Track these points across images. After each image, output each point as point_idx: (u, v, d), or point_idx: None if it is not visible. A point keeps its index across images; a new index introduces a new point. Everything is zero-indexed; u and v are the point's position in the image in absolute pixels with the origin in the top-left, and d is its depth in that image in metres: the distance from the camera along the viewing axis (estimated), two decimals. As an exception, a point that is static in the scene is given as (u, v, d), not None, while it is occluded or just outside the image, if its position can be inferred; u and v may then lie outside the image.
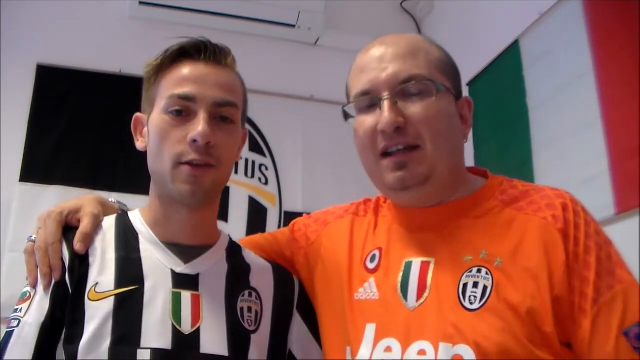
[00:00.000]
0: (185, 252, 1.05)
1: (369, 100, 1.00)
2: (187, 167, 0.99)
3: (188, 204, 1.02)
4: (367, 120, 0.99)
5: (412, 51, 1.00)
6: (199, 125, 0.99)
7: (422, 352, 0.89)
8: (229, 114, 1.04)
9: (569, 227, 0.91)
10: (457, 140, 1.02)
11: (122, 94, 2.56)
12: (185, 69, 1.03)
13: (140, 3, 2.70)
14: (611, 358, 0.83)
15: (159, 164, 1.02)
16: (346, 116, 1.05)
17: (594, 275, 0.87)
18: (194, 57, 1.04)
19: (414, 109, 0.97)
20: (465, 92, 2.47)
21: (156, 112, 1.04)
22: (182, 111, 1.01)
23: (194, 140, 0.98)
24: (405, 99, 0.97)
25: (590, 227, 0.92)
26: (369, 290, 1.00)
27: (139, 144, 1.09)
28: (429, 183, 0.98)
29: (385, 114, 0.96)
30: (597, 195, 1.73)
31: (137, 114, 1.11)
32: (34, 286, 1.00)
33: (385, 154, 0.99)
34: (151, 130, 1.04)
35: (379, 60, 1.00)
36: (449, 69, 1.03)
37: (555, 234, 0.90)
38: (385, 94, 0.97)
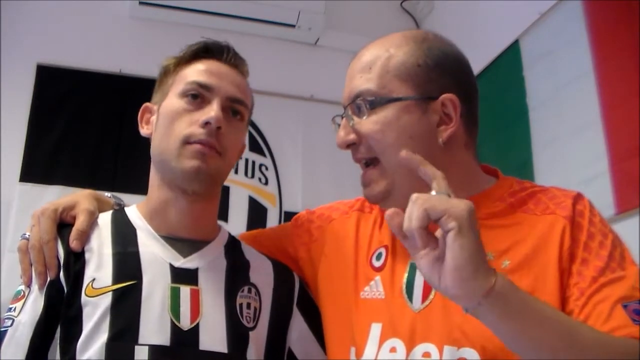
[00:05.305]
0: (184, 246, 1.04)
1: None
2: (196, 144, 1.01)
3: (189, 184, 1.02)
4: None
5: (369, 63, 1.00)
6: (213, 110, 1.02)
7: (426, 355, 0.89)
8: (240, 110, 1.08)
9: (576, 216, 0.92)
10: (421, 147, 0.95)
11: (122, 94, 2.57)
12: (207, 64, 1.08)
13: (140, 3, 2.70)
14: (605, 323, 0.81)
15: (165, 143, 1.03)
16: None
17: (595, 258, 0.87)
18: (215, 56, 1.09)
19: (363, 125, 0.98)
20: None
21: (171, 96, 1.06)
22: (198, 96, 1.04)
23: (207, 123, 1.01)
24: (360, 115, 0.99)
25: (596, 217, 0.92)
26: (374, 289, 1.00)
27: (144, 131, 1.11)
28: (392, 198, 0.98)
29: (339, 132, 1.02)
30: (597, 195, 1.71)
31: (147, 104, 1.13)
32: (29, 285, 0.99)
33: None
34: (162, 113, 1.06)
35: (348, 75, 1.03)
36: (415, 72, 0.98)
37: (564, 223, 0.91)
38: (344, 111, 1.02)
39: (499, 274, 0.75)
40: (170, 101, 1.06)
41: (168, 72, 1.10)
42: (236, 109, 1.07)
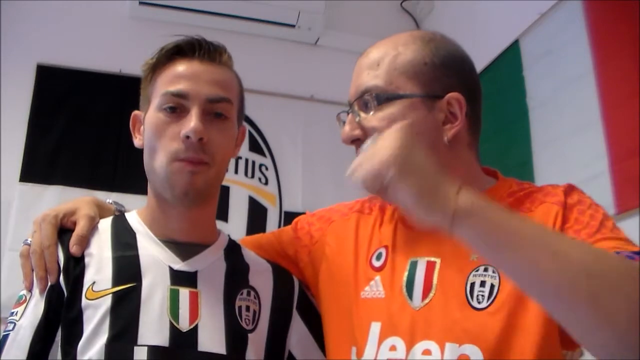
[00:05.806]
0: (184, 249, 1.05)
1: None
2: (182, 163, 1.00)
3: (181, 204, 1.03)
4: None
5: (377, 60, 1.01)
6: (191, 122, 0.99)
7: (427, 352, 0.89)
8: (222, 109, 1.04)
9: (567, 200, 0.94)
10: (426, 144, 0.95)
11: (122, 94, 2.56)
12: (180, 67, 1.04)
13: (140, 3, 2.70)
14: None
15: (154, 161, 1.03)
16: None
17: (586, 228, 0.88)
18: (188, 55, 1.05)
19: (369, 121, 0.99)
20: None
21: (151, 109, 1.05)
22: (176, 108, 1.02)
23: (187, 137, 0.99)
24: (366, 111, 1.00)
25: (585, 199, 0.95)
26: (375, 288, 1.00)
27: (137, 142, 1.10)
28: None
29: (344, 127, 1.02)
30: (597, 195, 1.71)
31: (135, 112, 1.11)
32: (30, 289, 1.00)
33: None
34: (146, 127, 1.05)
35: (355, 72, 1.04)
36: (422, 70, 0.99)
37: (556, 209, 0.93)
38: (350, 108, 1.02)
39: (464, 192, 0.78)
40: (151, 114, 1.04)
41: (146, 79, 1.08)
42: (218, 110, 1.03)
